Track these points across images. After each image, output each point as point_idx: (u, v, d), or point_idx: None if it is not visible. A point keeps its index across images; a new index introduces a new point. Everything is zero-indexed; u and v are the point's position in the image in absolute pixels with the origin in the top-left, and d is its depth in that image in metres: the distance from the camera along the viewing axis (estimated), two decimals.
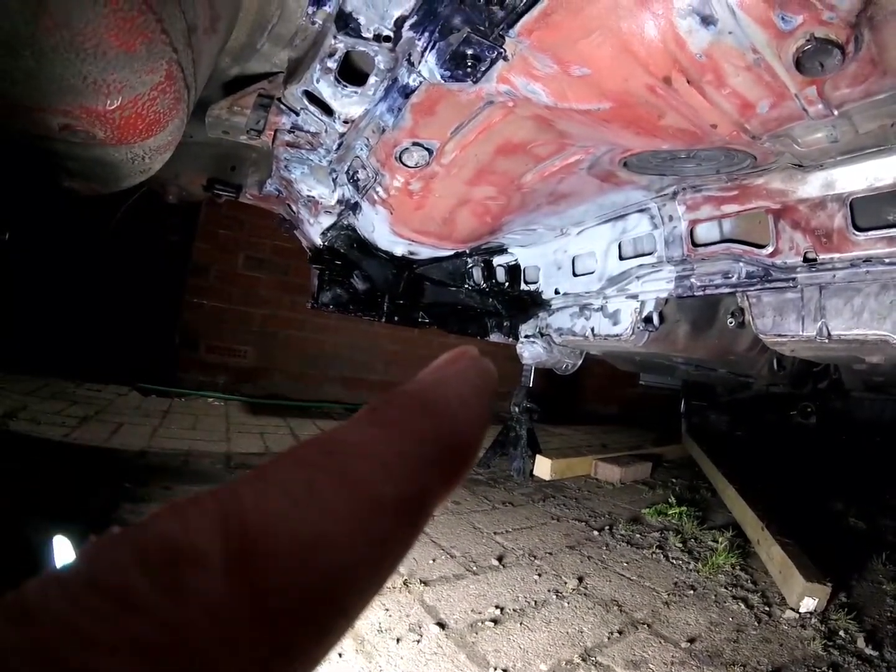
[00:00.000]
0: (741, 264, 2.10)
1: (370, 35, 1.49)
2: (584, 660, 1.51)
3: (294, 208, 2.68)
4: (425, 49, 1.43)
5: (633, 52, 1.17)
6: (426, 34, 1.41)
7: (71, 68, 1.11)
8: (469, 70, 1.38)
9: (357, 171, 2.11)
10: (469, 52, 1.33)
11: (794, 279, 1.96)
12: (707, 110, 1.31)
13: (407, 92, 1.60)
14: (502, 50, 1.31)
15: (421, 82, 1.54)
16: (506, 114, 1.59)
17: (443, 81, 1.46)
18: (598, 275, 2.70)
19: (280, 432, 4.15)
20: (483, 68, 1.37)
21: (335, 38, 1.52)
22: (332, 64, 1.61)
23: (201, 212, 5.61)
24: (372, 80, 1.66)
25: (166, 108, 1.31)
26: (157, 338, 5.54)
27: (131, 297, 5.41)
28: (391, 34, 1.47)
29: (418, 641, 1.50)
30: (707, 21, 1.07)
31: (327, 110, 1.81)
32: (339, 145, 2.03)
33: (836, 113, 1.29)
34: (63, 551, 1.02)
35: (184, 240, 5.68)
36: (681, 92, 1.25)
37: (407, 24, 1.43)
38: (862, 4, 0.98)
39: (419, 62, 1.46)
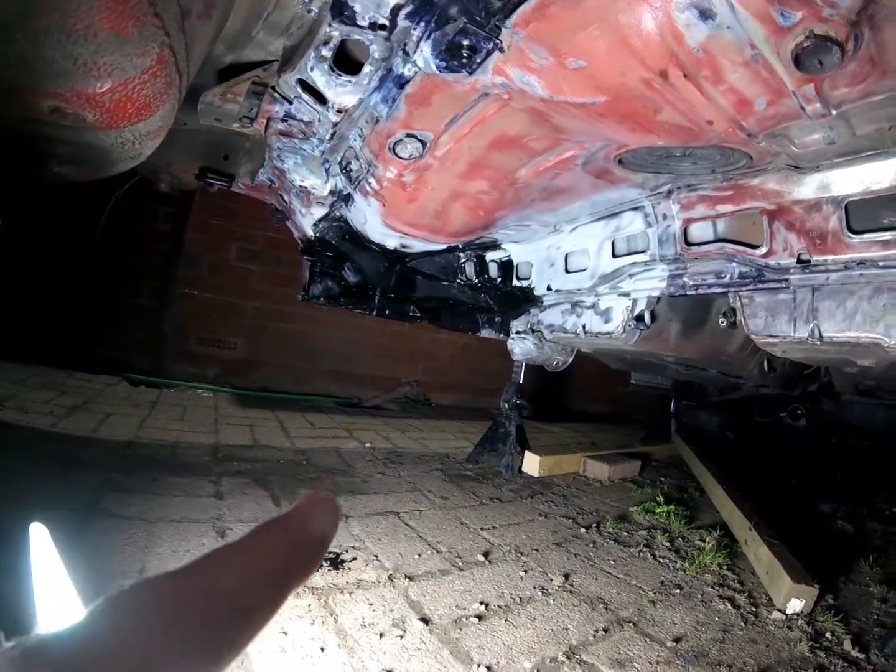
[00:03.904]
0: (734, 264, 2.10)
1: (365, 23, 1.47)
2: (568, 658, 1.50)
3: (286, 198, 2.66)
4: (421, 39, 1.41)
5: (630, 45, 1.16)
6: (422, 23, 1.39)
7: (62, 50, 1.09)
8: (465, 61, 1.37)
9: (350, 162, 2.10)
10: (465, 42, 1.31)
11: (787, 280, 1.96)
12: (703, 106, 1.30)
13: (402, 82, 1.59)
14: (498, 41, 1.29)
15: (416, 72, 1.53)
16: (501, 106, 1.57)
17: (438, 72, 1.44)
18: (591, 272, 2.69)
19: (269, 425, 4.12)
20: (479, 59, 1.36)
21: (330, 25, 1.50)
22: (326, 52, 1.60)
23: (194, 202, 5.57)
24: (366, 69, 1.64)
25: (157, 92, 1.29)
26: (147, 328, 5.51)
27: (122, 287, 5.38)
28: (387, 23, 1.46)
29: (401, 637, 1.49)
30: (705, 15, 1.06)
31: (321, 99, 1.80)
32: (333, 135, 2.02)
33: (833, 113, 1.28)
34: (40, 539, 1.00)
35: (176, 230, 5.64)
36: (677, 87, 1.24)
37: (403, 13, 1.41)
38: (863, 2, 0.97)
39: (414, 52, 1.45)
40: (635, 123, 1.46)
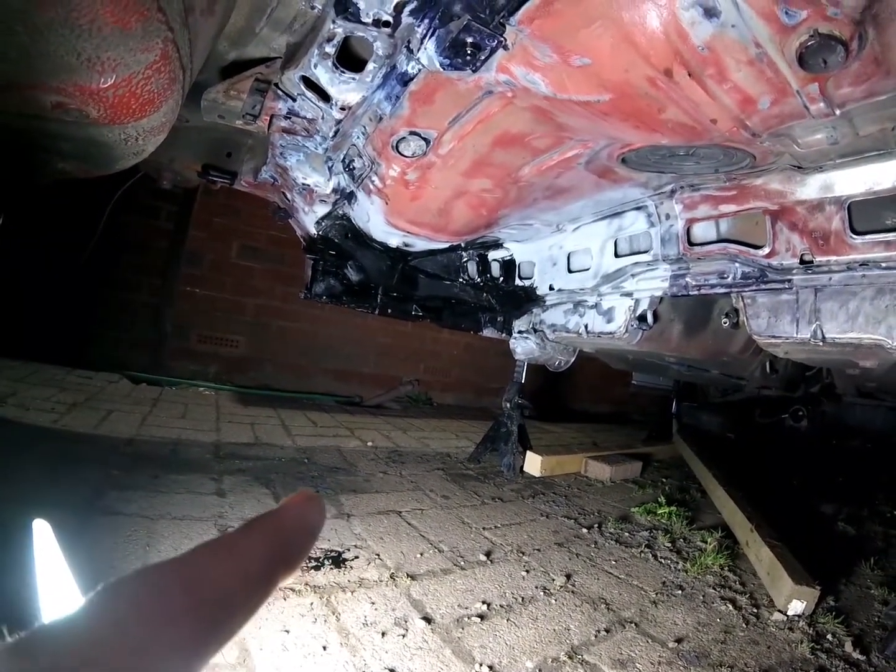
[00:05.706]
0: (737, 264, 2.09)
1: (369, 20, 1.47)
2: (570, 658, 1.50)
3: (289, 196, 2.66)
4: (425, 36, 1.41)
5: (635, 43, 1.15)
6: (426, 20, 1.39)
7: (65, 45, 1.08)
8: (469, 58, 1.36)
9: (353, 160, 2.09)
10: (469, 39, 1.31)
11: (789, 281, 1.95)
12: (708, 105, 1.30)
13: (405, 79, 1.58)
14: (502, 38, 1.29)
15: (420, 70, 1.52)
16: (504, 104, 1.57)
17: (442, 69, 1.44)
18: (593, 272, 2.69)
19: (270, 423, 4.12)
20: (483, 57, 1.36)
21: (334, 22, 1.50)
22: (330, 49, 1.60)
23: (196, 200, 5.57)
24: (370, 66, 1.64)
25: (161, 88, 1.29)
26: (148, 326, 5.51)
27: (123, 285, 5.38)
28: (390, 19, 1.45)
29: (403, 636, 1.49)
30: (710, 13, 1.06)
31: (324, 96, 1.79)
32: (336, 133, 2.01)
33: (837, 112, 1.28)
34: (43, 536, 1.00)
35: (178, 227, 5.64)
36: (682, 85, 1.24)
37: (407, 10, 1.41)
38: (867, 1, 0.96)
39: (418, 49, 1.45)
40: (639, 122, 1.46)
